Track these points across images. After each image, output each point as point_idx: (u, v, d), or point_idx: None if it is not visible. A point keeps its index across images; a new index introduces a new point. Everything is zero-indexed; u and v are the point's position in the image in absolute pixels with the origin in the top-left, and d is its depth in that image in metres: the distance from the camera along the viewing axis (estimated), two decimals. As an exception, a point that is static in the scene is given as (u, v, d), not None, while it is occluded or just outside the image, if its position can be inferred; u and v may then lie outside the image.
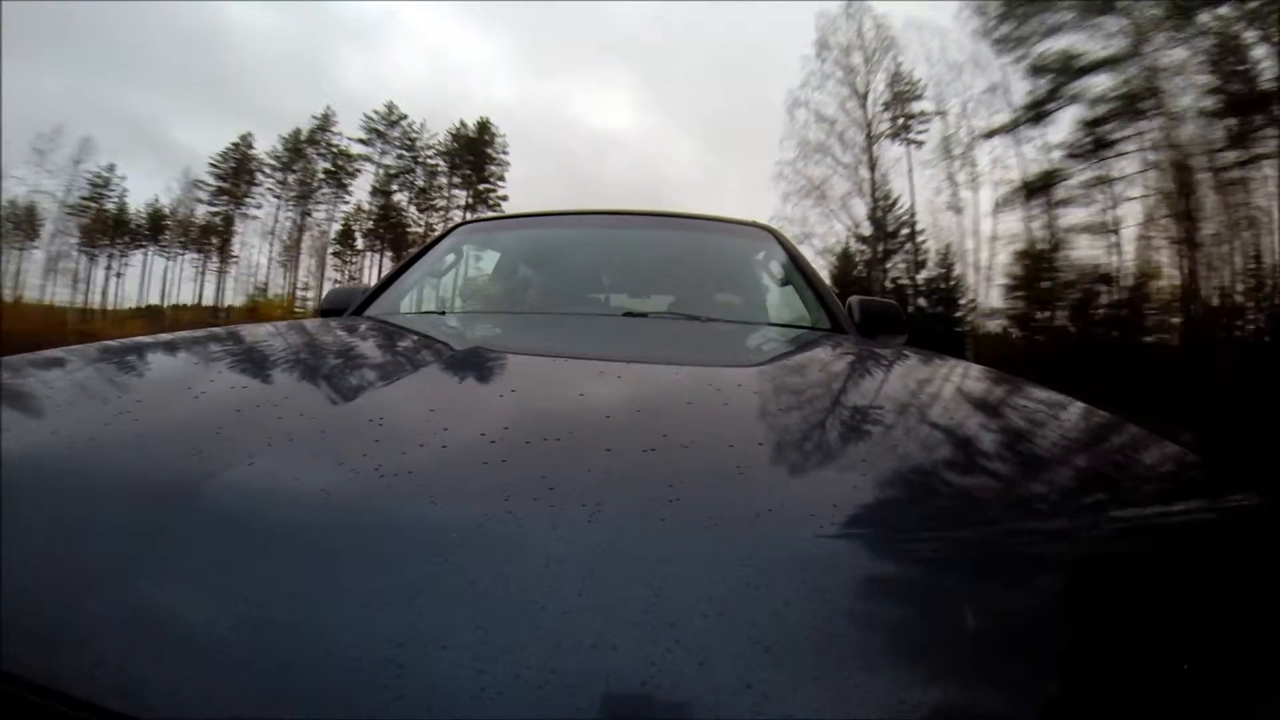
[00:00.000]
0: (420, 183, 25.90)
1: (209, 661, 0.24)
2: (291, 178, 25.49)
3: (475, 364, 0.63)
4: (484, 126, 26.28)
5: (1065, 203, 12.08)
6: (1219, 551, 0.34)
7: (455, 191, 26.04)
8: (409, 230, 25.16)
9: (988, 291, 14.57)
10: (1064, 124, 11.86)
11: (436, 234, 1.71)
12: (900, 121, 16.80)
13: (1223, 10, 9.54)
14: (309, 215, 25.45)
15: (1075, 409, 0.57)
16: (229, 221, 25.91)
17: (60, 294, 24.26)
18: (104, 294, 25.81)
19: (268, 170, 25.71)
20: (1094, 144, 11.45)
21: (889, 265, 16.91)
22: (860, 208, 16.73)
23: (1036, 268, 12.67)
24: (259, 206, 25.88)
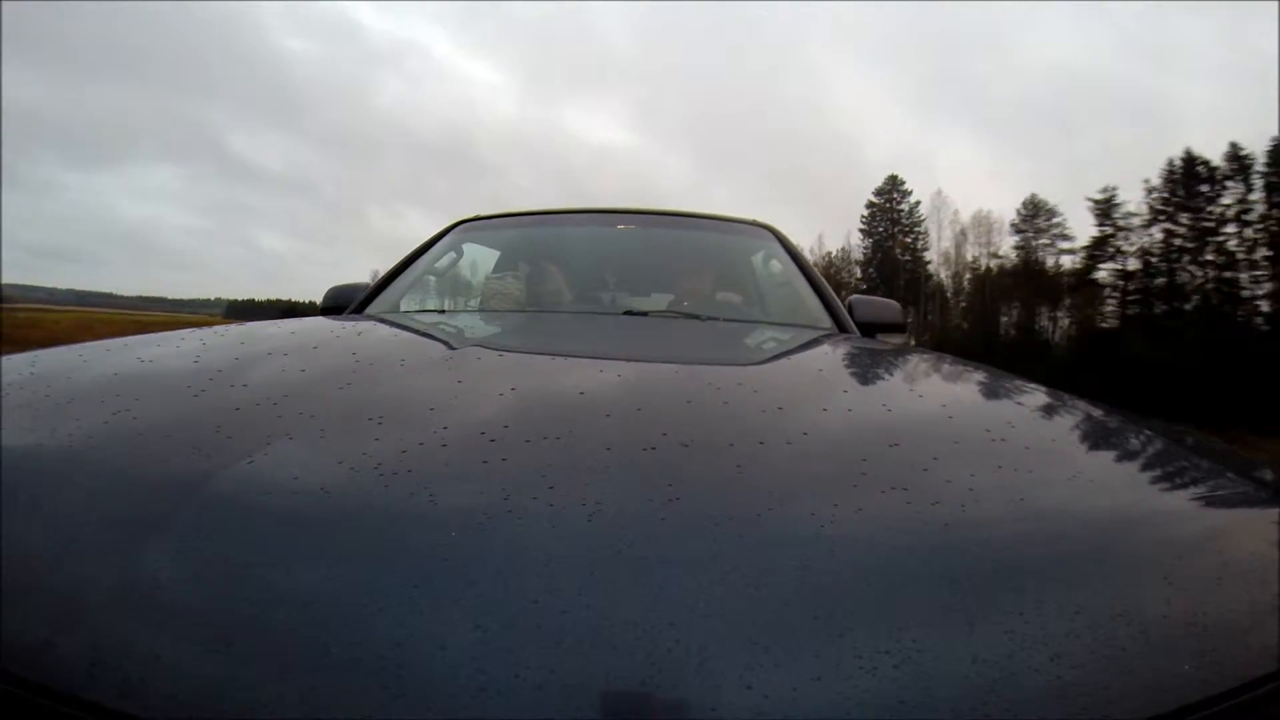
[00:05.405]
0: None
1: (208, 661, 0.24)
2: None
3: (474, 362, 0.63)
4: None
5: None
6: (1220, 546, 0.34)
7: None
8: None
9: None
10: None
11: (436, 231, 1.70)
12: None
13: None
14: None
15: (1076, 406, 0.57)
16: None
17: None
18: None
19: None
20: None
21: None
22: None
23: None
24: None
